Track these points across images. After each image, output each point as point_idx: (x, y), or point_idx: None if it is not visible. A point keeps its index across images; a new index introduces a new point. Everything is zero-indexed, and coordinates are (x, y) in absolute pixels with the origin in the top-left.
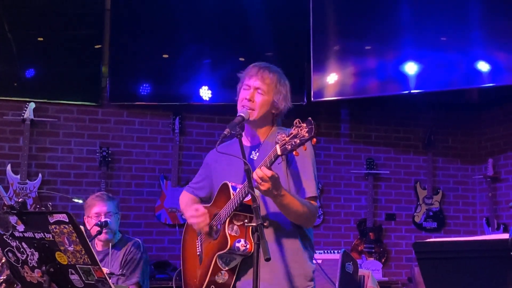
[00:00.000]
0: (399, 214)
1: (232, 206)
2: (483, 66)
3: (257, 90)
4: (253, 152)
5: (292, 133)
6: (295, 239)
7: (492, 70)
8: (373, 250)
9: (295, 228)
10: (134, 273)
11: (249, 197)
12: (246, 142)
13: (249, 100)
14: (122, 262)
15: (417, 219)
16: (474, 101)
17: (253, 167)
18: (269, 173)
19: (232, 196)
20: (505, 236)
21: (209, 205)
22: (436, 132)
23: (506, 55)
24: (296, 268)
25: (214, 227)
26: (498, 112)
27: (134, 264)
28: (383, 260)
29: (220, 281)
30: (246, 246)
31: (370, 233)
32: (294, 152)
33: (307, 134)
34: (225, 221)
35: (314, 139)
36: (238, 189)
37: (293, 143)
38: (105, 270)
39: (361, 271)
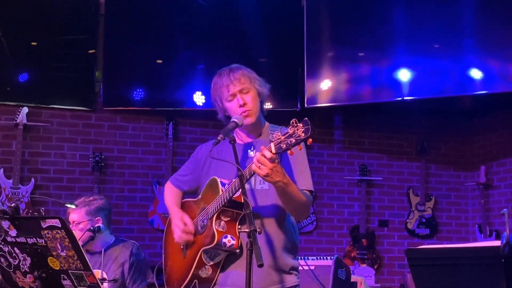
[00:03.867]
0: (391, 221)
1: (221, 202)
2: (476, 74)
3: (242, 92)
4: (249, 150)
5: (287, 132)
6: (280, 238)
7: (485, 78)
8: (365, 257)
9: (282, 226)
10: (148, 274)
11: (237, 194)
12: (240, 140)
13: (243, 104)
14: (126, 265)
15: (409, 226)
16: (467, 108)
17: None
18: (268, 154)
19: (220, 192)
20: (497, 243)
21: (195, 199)
22: (429, 139)
23: (499, 63)
24: (275, 275)
25: (200, 222)
26: (490, 119)
27: (143, 265)
28: (375, 266)
29: (204, 276)
30: (233, 242)
31: (363, 240)
32: (289, 151)
33: (303, 134)
34: (213, 216)
35: (310, 139)
36: (227, 185)
37: (289, 142)
38: (97, 272)
39: (353, 278)
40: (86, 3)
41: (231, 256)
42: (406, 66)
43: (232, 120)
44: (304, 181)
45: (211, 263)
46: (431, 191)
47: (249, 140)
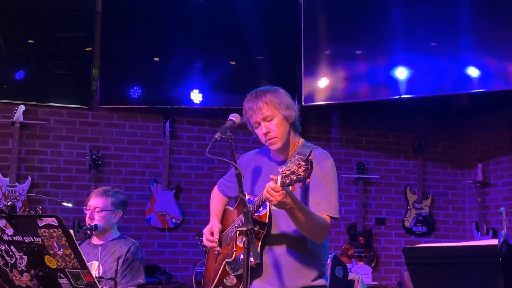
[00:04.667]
0: (389, 219)
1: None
2: (473, 72)
3: (266, 120)
4: (280, 169)
5: (291, 169)
6: (304, 255)
7: (482, 76)
8: (363, 255)
9: (306, 244)
10: (139, 274)
11: (260, 213)
12: (274, 157)
13: (267, 133)
14: (120, 261)
15: (407, 224)
16: (464, 106)
17: None
18: (274, 186)
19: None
20: (494, 241)
21: (232, 209)
22: (426, 137)
23: (496, 61)
24: (296, 281)
25: (230, 233)
26: (487, 117)
27: (137, 264)
28: (373, 264)
29: (228, 284)
30: (250, 259)
31: (360, 238)
32: (291, 187)
33: (302, 174)
34: (237, 231)
35: (308, 180)
36: (252, 202)
37: (291, 178)
38: (95, 263)
39: (351, 276)
40: (82, 1)
41: (253, 270)
42: (403, 64)
43: (229, 118)
44: (326, 206)
45: (235, 273)
46: (428, 189)
47: (281, 158)
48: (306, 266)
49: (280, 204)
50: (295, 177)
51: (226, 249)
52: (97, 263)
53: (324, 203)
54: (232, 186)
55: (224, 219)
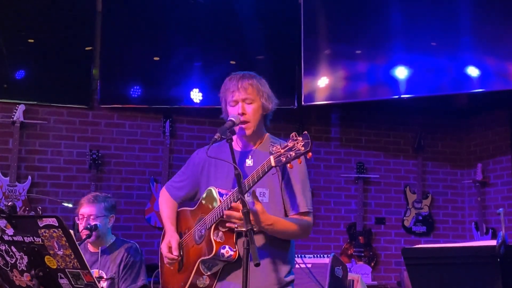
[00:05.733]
0: (388, 218)
1: (219, 212)
2: (472, 71)
3: (245, 102)
4: (246, 159)
5: (287, 146)
6: (276, 251)
7: (481, 76)
8: (362, 254)
9: (277, 240)
10: (139, 276)
11: None
12: (237, 147)
13: (242, 114)
14: (121, 266)
15: (406, 223)
16: (464, 106)
17: (247, 174)
18: (238, 215)
19: (219, 203)
20: (493, 242)
21: (193, 208)
22: (426, 137)
23: (496, 61)
24: (273, 278)
25: (198, 232)
26: (487, 117)
27: (136, 267)
28: (372, 264)
29: (201, 286)
30: (231, 252)
31: (360, 237)
32: (288, 165)
33: (303, 148)
34: (211, 227)
35: (310, 153)
36: (225, 196)
37: (288, 155)
38: (96, 271)
39: (350, 275)
40: (83, 0)
41: (228, 266)
42: (403, 63)
43: (229, 118)
44: (303, 203)
45: (209, 273)
46: (428, 189)
47: (247, 148)
48: (278, 262)
49: (256, 224)
50: (293, 154)
51: (197, 248)
52: (97, 271)
53: (305, 200)
54: (183, 184)
55: (181, 222)
